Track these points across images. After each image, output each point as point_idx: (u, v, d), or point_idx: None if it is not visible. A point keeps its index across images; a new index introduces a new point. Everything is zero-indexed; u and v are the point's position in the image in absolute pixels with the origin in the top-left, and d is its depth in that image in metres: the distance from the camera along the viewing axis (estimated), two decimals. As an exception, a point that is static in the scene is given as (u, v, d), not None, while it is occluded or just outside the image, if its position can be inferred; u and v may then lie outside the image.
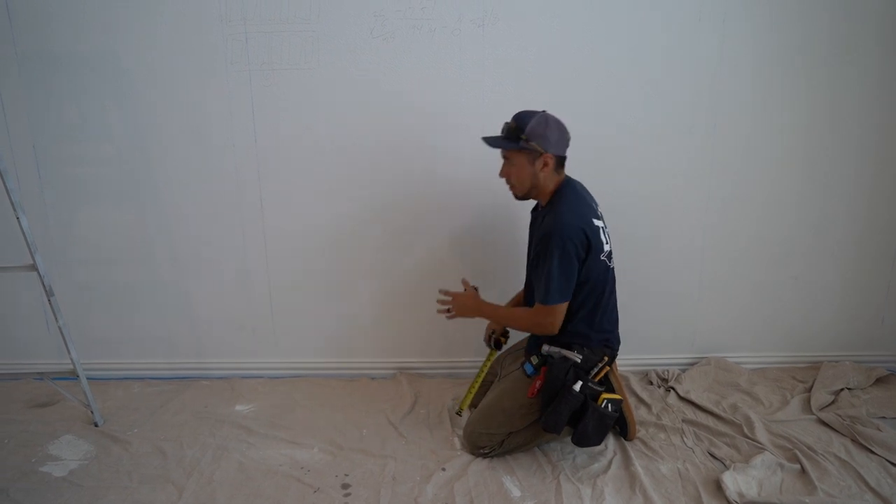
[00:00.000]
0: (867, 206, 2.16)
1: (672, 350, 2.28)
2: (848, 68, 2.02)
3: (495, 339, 1.96)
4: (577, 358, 1.66)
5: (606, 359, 1.71)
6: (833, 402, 1.99)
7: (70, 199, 2.14)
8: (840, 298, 2.25)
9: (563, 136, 1.66)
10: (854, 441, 1.77)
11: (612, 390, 1.71)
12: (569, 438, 1.73)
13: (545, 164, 1.63)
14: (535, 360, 1.74)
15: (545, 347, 1.72)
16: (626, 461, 1.71)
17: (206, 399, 2.11)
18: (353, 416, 1.98)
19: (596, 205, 1.72)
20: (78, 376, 1.87)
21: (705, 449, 1.77)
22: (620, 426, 1.81)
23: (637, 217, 2.10)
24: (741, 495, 1.52)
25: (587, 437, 1.64)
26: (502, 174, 1.72)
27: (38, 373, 2.03)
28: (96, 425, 1.92)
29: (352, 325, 2.26)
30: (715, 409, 1.95)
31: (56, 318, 1.81)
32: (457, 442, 1.83)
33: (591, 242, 1.60)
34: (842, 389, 2.05)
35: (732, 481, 1.57)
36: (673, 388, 2.10)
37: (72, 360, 1.85)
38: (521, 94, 1.98)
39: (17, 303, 2.23)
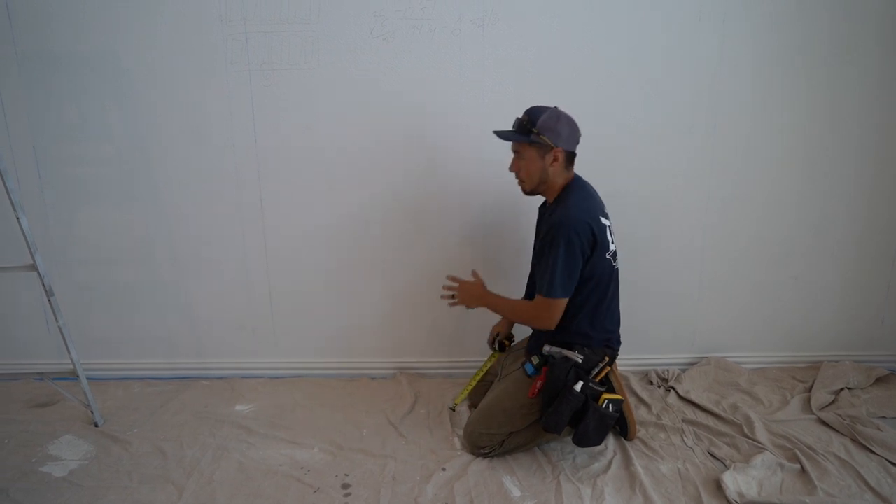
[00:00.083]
0: (867, 206, 2.16)
1: (672, 350, 2.28)
2: (848, 68, 2.03)
3: (499, 342, 1.96)
4: (579, 358, 1.66)
5: (607, 359, 1.71)
6: (833, 402, 1.99)
7: (70, 199, 2.14)
8: (840, 298, 2.25)
9: (573, 131, 1.66)
10: (854, 441, 1.77)
11: (612, 390, 1.72)
12: (569, 438, 1.73)
13: (555, 159, 1.64)
14: (535, 360, 1.74)
15: (546, 348, 1.72)
16: (627, 461, 1.71)
17: (206, 399, 2.11)
18: (353, 416, 1.98)
19: (603, 205, 1.73)
20: (78, 376, 1.87)
21: (705, 449, 1.77)
22: (620, 426, 1.81)
23: (637, 217, 2.10)
24: (741, 495, 1.53)
25: (588, 437, 1.64)
26: (512, 168, 1.72)
27: (38, 373, 2.03)
28: (96, 425, 1.92)
29: (352, 325, 2.26)
30: (715, 409, 1.95)
31: (56, 318, 1.81)
32: (457, 442, 1.83)
33: (597, 239, 1.60)
34: (842, 389, 2.05)
35: (732, 481, 1.57)
36: (673, 388, 2.10)
37: (72, 360, 1.85)
38: (521, 94, 1.98)
39: (17, 303, 2.23)
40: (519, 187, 1.75)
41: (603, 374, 1.70)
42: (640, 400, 2.05)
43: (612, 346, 1.75)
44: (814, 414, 1.92)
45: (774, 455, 1.69)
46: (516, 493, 1.60)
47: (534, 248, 1.83)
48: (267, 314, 2.25)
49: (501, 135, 1.70)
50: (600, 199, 1.73)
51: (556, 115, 1.63)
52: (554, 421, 1.61)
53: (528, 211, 2.06)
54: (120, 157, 2.10)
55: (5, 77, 2.01)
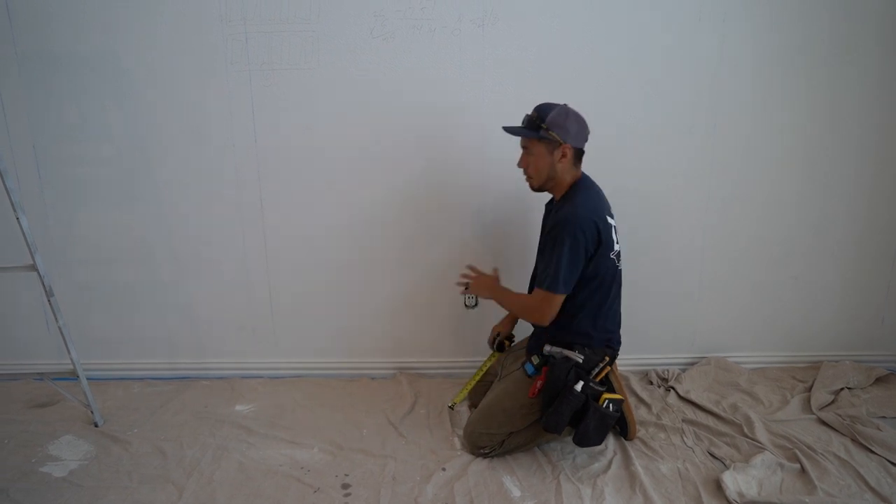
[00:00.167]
0: (867, 205, 2.16)
1: (672, 350, 2.28)
2: (848, 68, 2.03)
3: (499, 342, 1.96)
4: (579, 358, 1.66)
5: (608, 359, 1.71)
6: (833, 402, 1.99)
7: (70, 199, 2.14)
8: (840, 298, 2.25)
9: (582, 129, 1.66)
10: (854, 440, 1.77)
11: (612, 390, 1.72)
12: (569, 438, 1.73)
13: (563, 155, 1.64)
14: (536, 360, 1.74)
15: (547, 348, 1.72)
16: (627, 461, 1.71)
17: (206, 399, 2.11)
18: (353, 416, 1.98)
19: (609, 205, 1.73)
20: (78, 376, 1.87)
21: (705, 448, 1.77)
22: (620, 426, 1.81)
23: (637, 217, 2.10)
24: (741, 495, 1.53)
25: (588, 436, 1.64)
26: (521, 164, 1.73)
27: (38, 373, 2.03)
28: (96, 425, 1.92)
29: (352, 325, 2.26)
30: (715, 409, 1.95)
31: (56, 319, 1.81)
32: (457, 442, 1.83)
33: (601, 238, 1.61)
34: (842, 389, 2.05)
35: (732, 481, 1.57)
36: (673, 388, 2.10)
37: (72, 360, 1.85)
38: (521, 94, 1.98)
39: (17, 303, 2.23)
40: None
41: (603, 374, 1.70)
42: (640, 400, 2.05)
43: (612, 346, 1.75)
44: (814, 414, 1.92)
45: (774, 455, 1.69)
46: (516, 492, 1.60)
47: (539, 245, 1.83)
48: (267, 314, 2.25)
49: (511, 130, 1.70)
50: (606, 199, 1.73)
51: (565, 111, 1.64)
52: (554, 421, 1.61)
53: (530, 210, 2.07)
54: (120, 157, 2.10)
55: (5, 77, 2.01)
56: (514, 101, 1.96)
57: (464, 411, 2.00)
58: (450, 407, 1.98)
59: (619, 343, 1.78)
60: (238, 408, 2.05)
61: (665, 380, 2.17)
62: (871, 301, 2.26)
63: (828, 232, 2.19)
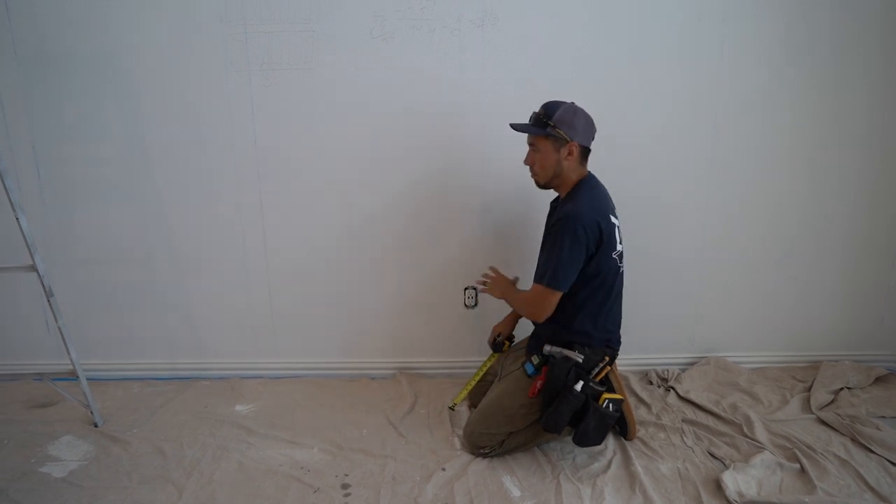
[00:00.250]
0: (867, 205, 2.17)
1: (672, 350, 2.28)
2: (848, 68, 2.03)
3: (499, 342, 1.96)
4: (579, 358, 1.66)
5: (607, 359, 1.71)
6: (832, 402, 2.00)
7: (69, 199, 2.14)
8: (840, 298, 2.25)
9: (589, 127, 1.67)
10: (853, 440, 1.78)
11: (612, 390, 1.72)
12: (568, 438, 1.73)
13: (570, 153, 1.64)
14: (536, 359, 1.74)
15: (547, 347, 1.72)
16: (626, 461, 1.71)
17: (206, 399, 2.11)
18: (353, 416, 1.98)
19: (613, 205, 1.73)
20: (77, 377, 1.87)
21: (705, 448, 1.77)
22: (620, 426, 1.81)
23: (637, 217, 2.09)
24: (741, 495, 1.53)
25: (588, 436, 1.64)
26: (527, 161, 1.73)
27: (37, 373, 2.03)
28: (96, 426, 1.92)
29: (352, 325, 2.26)
30: (715, 409, 1.95)
31: (56, 319, 1.81)
32: (457, 442, 1.83)
33: (603, 237, 1.61)
34: (841, 389, 2.05)
35: (732, 481, 1.57)
36: (673, 388, 2.10)
37: (71, 360, 1.85)
38: (521, 93, 1.98)
39: (16, 303, 2.23)
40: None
41: (603, 373, 1.70)
42: (640, 400, 2.05)
43: (612, 345, 1.75)
44: (813, 413, 1.92)
45: (774, 454, 1.69)
46: (516, 492, 1.60)
47: (541, 243, 1.83)
48: (267, 314, 2.25)
49: (518, 127, 1.71)
50: (611, 199, 1.73)
51: (572, 109, 1.64)
52: (554, 421, 1.61)
53: (530, 210, 2.07)
54: (119, 158, 2.10)
55: (5, 77, 2.01)
56: (513, 100, 1.97)
57: (464, 411, 1.99)
58: (450, 408, 1.98)
59: (618, 343, 1.78)
60: (238, 408, 2.05)
61: (665, 380, 2.17)
62: (870, 301, 2.26)
63: (828, 232, 2.19)
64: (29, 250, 1.73)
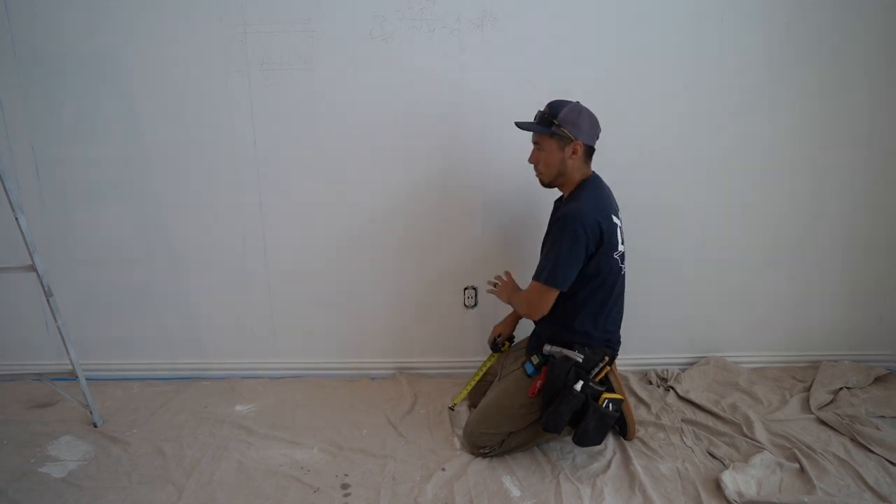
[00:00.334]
0: (867, 205, 2.17)
1: (671, 350, 2.28)
2: (849, 68, 2.03)
3: (499, 343, 1.96)
4: (579, 358, 1.66)
5: (607, 359, 1.71)
6: (832, 402, 2.00)
7: (69, 198, 2.14)
8: (839, 298, 2.25)
9: (594, 126, 1.67)
10: (853, 440, 1.78)
11: (612, 390, 1.72)
12: (568, 438, 1.74)
13: (574, 152, 1.65)
14: (535, 359, 1.74)
15: (546, 347, 1.72)
16: (626, 461, 1.71)
17: (206, 399, 2.11)
18: (353, 416, 1.98)
19: (617, 205, 1.73)
20: (77, 377, 1.87)
21: (704, 448, 1.77)
22: (620, 426, 1.81)
23: (636, 217, 2.09)
24: (740, 494, 1.53)
25: (588, 436, 1.64)
26: (532, 160, 1.73)
27: (37, 373, 2.03)
28: (95, 426, 1.92)
29: (351, 325, 2.26)
30: (714, 409, 1.95)
31: (55, 319, 1.81)
32: (456, 442, 1.83)
33: (604, 238, 1.61)
34: (841, 388, 2.06)
35: (731, 480, 1.57)
36: (672, 388, 2.10)
37: (71, 360, 1.85)
38: (521, 93, 1.98)
39: (15, 303, 2.23)
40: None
41: (603, 373, 1.70)
42: (640, 400, 2.05)
43: (612, 345, 1.75)
44: (813, 413, 1.93)
45: (773, 454, 1.69)
46: (516, 492, 1.60)
47: (542, 241, 1.83)
48: (267, 314, 2.25)
49: (523, 126, 1.71)
50: (614, 200, 1.74)
51: (577, 109, 1.65)
52: (554, 420, 1.61)
53: (530, 210, 2.07)
54: (119, 158, 2.10)
55: (4, 77, 2.01)
56: (513, 101, 1.97)
57: (463, 411, 2.00)
58: (450, 408, 1.98)
59: (618, 343, 1.79)
60: (238, 408, 2.05)
61: (664, 379, 2.17)
62: (870, 301, 2.26)
63: (828, 232, 2.19)
64: (28, 250, 1.73)
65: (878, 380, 2.14)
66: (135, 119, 2.06)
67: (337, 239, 2.17)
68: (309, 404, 2.07)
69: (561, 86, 1.99)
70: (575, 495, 1.58)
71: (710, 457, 1.73)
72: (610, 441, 1.80)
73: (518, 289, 1.85)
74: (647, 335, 2.21)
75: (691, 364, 2.26)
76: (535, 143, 1.72)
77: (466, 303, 2.23)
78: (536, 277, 1.66)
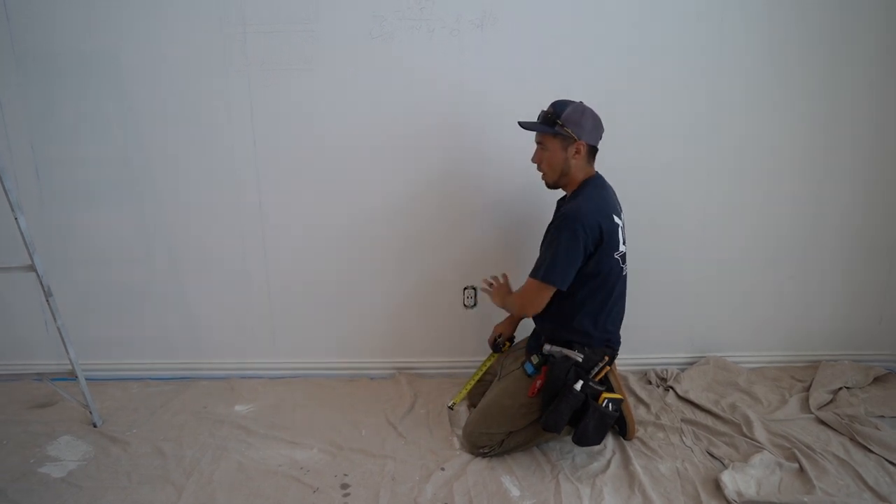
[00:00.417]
0: (865, 205, 2.17)
1: (671, 349, 2.28)
2: (850, 68, 2.03)
3: (499, 343, 1.96)
4: (579, 357, 1.66)
5: (607, 358, 1.71)
6: (831, 401, 2.00)
7: (68, 199, 2.14)
8: (839, 298, 2.26)
9: (597, 126, 1.68)
10: (852, 440, 1.78)
11: (611, 390, 1.72)
12: (568, 438, 1.74)
13: (577, 151, 1.65)
14: (535, 359, 1.74)
15: (546, 347, 1.72)
16: (625, 460, 1.71)
17: (206, 399, 2.11)
18: (353, 416, 1.98)
19: (619, 206, 1.73)
20: (76, 377, 1.87)
21: (704, 448, 1.77)
22: (619, 426, 1.81)
23: (636, 217, 2.09)
24: (740, 494, 1.53)
25: (587, 436, 1.64)
26: (535, 159, 1.74)
27: (36, 373, 2.02)
28: (95, 426, 1.92)
29: (351, 325, 2.26)
30: (714, 409, 1.95)
31: (55, 319, 1.81)
32: (456, 441, 1.83)
33: (604, 238, 1.61)
34: (840, 388, 2.06)
35: (731, 480, 1.57)
36: (672, 388, 2.10)
37: (70, 360, 1.85)
38: (521, 93, 1.98)
39: (15, 303, 2.23)
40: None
41: (602, 373, 1.70)
42: (639, 399, 2.05)
43: (612, 345, 1.75)
44: (812, 413, 1.93)
45: (773, 454, 1.69)
46: (515, 492, 1.60)
47: (542, 240, 1.83)
48: (266, 314, 2.25)
49: (526, 126, 1.71)
50: (617, 200, 1.74)
51: (580, 108, 1.65)
52: (554, 420, 1.61)
53: (530, 210, 2.07)
54: (118, 157, 2.10)
55: (4, 76, 2.01)
56: (513, 101, 1.97)
57: (463, 411, 2.00)
58: (449, 407, 1.98)
59: (618, 343, 1.79)
60: (237, 408, 2.05)
61: (664, 379, 2.17)
62: (869, 300, 2.26)
63: (827, 232, 2.19)
64: (28, 250, 1.73)
65: (877, 380, 2.14)
66: (135, 119, 2.06)
67: (337, 239, 2.17)
68: (308, 404, 2.07)
69: (561, 86, 1.99)
70: (574, 495, 1.58)
71: (709, 457, 1.73)
72: (609, 441, 1.80)
73: (511, 292, 1.85)
74: (646, 335, 2.21)
75: (691, 364, 2.26)
76: (538, 142, 1.72)
77: (466, 303, 2.23)
78: (533, 274, 1.66)
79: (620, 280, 1.71)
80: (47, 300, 1.79)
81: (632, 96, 2.03)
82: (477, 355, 2.18)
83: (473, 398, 1.99)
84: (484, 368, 2.00)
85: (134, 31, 1.98)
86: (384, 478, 1.66)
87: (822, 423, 1.88)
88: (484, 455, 1.74)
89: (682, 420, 1.91)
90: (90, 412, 1.92)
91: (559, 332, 1.72)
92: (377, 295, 2.23)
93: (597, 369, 1.69)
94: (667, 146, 2.09)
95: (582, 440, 1.65)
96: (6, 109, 2.04)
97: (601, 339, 1.72)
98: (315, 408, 2.04)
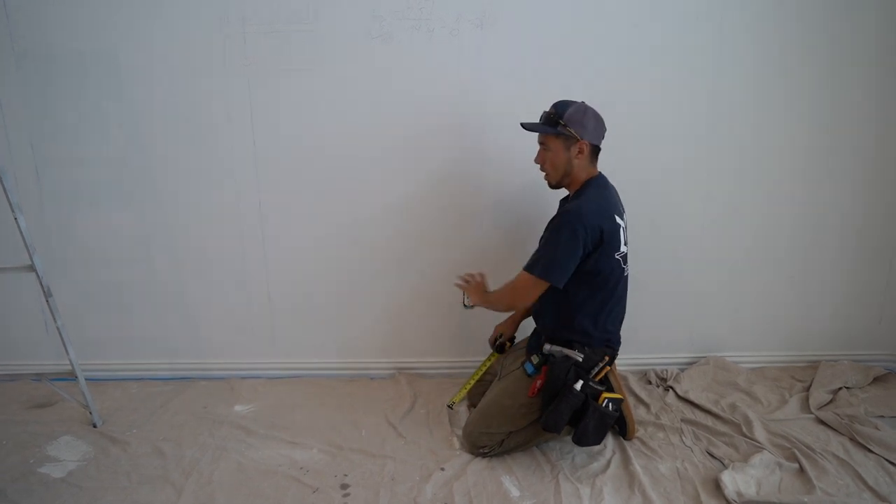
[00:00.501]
0: (865, 206, 2.17)
1: (671, 349, 2.28)
2: (847, 69, 2.03)
3: (500, 343, 1.96)
4: (579, 357, 1.66)
5: (607, 358, 1.71)
6: (831, 401, 2.00)
7: (68, 199, 2.13)
8: (838, 298, 2.26)
9: (599, 126, 1.68)
10: (852, 440, 1.78)
11: (611, 390, 1.72)
12: (568, 438, 1.74)
13: (580, 151, 1.65)
14: (535, 359, 1.74)
15: (546, 346, 1.72)
16: (625, 460, 1.71)
17: (206, 399, 2.11)
18: (353, 416, 1.98)
19: (622, 206, 1.73)
20: (76, 377, 1.87)
21: (704, 448, 1.77)
22: (619, 426, 1.81)
23: (636, 217, 2.09)
24: (740, 494, 1.53)
25: (587, 436, 1.64)
26: (538, 160, 1.73)
27: (36, 374, 2.02)
28: (95, 426, 1.92)
29: (351, 326, 2.26)
30: (714, 409, 1.95)
31: (54, 319, 1.81)
32: (456, 441, 1.83)
33: (604, 239, 1.60)
34: (840, 388, 2.06)
35: (731, 480, 1.57)
36: (672, 388, 2.10)
37: (70, 360, 1.85)
38: (521, 93, 1.98)
39: (15, 303, 2.22)
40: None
41: (603, 373, 1.70)
42: (639, 399, 2.05)
43: (612, 345, 1.75)
44: (812, 413, 1.93)
45: (773, 454, 1.69)
46: (515, 492, 1.60)
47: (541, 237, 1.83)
48: (266, 314, 2.25)
49: (528, 126, 1.71)
50: (619, 200, 1.74)
51: (583, 108, 1.65)
52: (554, 420, 1.61)
53: (530, 210, 2.07)
54: (118, 158, 2.10)
55: (3, 76, 2.00)
56: (513, 100, 1.97)
57: (463, 411, 2.00)
58: (449, 406, 1.98)
59: (618, 343, 1.78)
60: (237, 408, 2.05)
61: (664, 379, 2.17)
62: (869, 301, 2.26)
63: (826, 232, 2.19)
64: (28, 250, 1.73)
65: (877, 380, 2.14)
66: (134, 118, 2.06)
67: (337, 239, 2.17)
68: (308, 404, 2.07)
69: (561, 86, 1.99)
70: (574, 495, 1.58)
71: (709, 457, 1.73)
72: (609, 441, 1.80)
73: (488, 290, 1.82)
74: (646, 335, 2.21)
75: (691, 364, 2.26)
76: (540, 143, 1.72)
77: (465, 303, 2.21)
78: (529, 269, 1.65)
79: (622, 281, 1.71)
80: (47, 300, 1.79)
81: (632, 96, 2.03)
82: (477, 355, 2.18)
83: (473, 398, 1.99)
84: (484, 368, 2.00)
85: (133, 31, 1.98)
86: (384, 478, 1.66)
87: (822, 423, 1.88)
88: (484, 455, 1.74)
89: (682, 420, 1.91)
90: (90, 412, 1.91)
91: (559, 331, 1.72)
92: (377, 295, 2.23)
93: (597, 369, 1.69)
94: (667, 146, 2.09)
95: (582, 440, 1.65)
96: (6, 109, 2.04)
97: (601, 339, 1.72)
98: (315, 408, 2.04)
